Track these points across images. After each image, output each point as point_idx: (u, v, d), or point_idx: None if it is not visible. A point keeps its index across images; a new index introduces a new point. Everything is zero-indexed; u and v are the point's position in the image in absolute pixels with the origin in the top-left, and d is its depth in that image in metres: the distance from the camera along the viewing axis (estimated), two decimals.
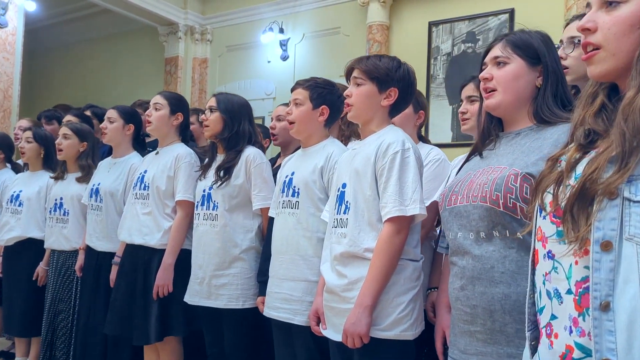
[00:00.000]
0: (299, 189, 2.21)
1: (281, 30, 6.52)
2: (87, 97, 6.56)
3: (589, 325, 0.89)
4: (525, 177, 1.39)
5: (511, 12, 5.31)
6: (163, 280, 2.66)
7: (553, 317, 1.00)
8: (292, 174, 2.26)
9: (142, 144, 3.37)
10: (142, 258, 2.78)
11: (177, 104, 2.93)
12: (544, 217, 1.04)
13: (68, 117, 3.79)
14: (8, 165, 3.98)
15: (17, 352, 3.59)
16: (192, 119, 3.45)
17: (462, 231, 1.50)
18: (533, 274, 1.09)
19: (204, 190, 2.62)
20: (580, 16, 1.83)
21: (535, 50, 1.54)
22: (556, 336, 0.98)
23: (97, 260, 3.08)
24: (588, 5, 1.06)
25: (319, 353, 2.09)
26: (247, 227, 2.55)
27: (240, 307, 2.48)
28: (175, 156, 2.80)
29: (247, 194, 2.55)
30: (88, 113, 3.99)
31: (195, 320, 2.68)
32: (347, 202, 1.89)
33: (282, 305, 2.16)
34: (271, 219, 2.37)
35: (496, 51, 1.57)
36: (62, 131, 3.35)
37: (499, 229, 1.42)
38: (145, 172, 2.88)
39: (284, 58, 6.57)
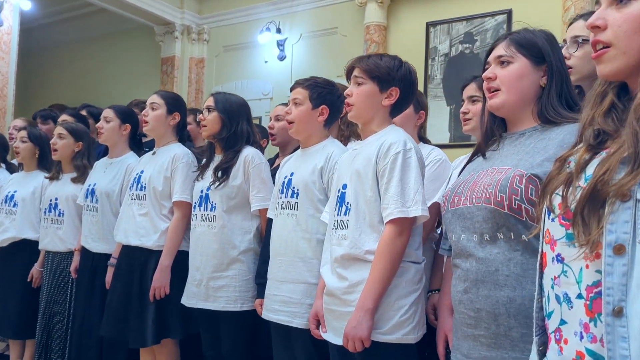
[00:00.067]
0: (298, 190, 2.19)
1: (278, 30, 6.49)
2: (83, 97, 6.51)
3: (601, 331, 0.87)
4: (530, 178, 1.36)
5: (509, 13, 5.30)
6: (160, 282, 2.63)
7: (562, 322, 0.97)
8: (291, 174, 2.24)
9: (139, 144, 3.34)
10: (138, 259, 2.75)
11: (174, 103, 2.90)
12: (553, 220, 1.02)
13: (63, 117, 3.76)
14: (2, 165, 3.94)
15: (12, 354, 3.55)
16: (189, 119, 3.43)
17: (466, 233, 1.47)
18: (541, 277, 1.07)
19: (201, 191, 2.59)
20: (584, 15, 1.82)
21: (540, 49, 1.51)
22: (566, 342, 0.96)
23: (93, 261, 3.05)
24: (597, 2, 1.03)
25: (319, 356, 2.07)
26: (245, 229, 2.53)
27: (239, 309, 2.45)
28: (172, 156, 2.77)
29: (246, 195, 2.53)
30: (84, 113, 3.96)
31: (192, 323, 2.66)
32: (347, 203, 1.86)
33: (281, 307, 2.13)
34: (270, 220, 2.34)
35: (500, 50, 1.54)
36: (57, 131, 3.32)
37: (504, 231, 1.39)
38: (141, 172, 2.85)
39: (281, 58, 6.55)
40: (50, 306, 3.21)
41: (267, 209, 2.41)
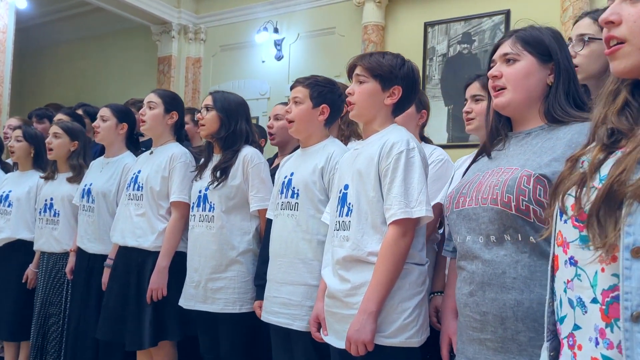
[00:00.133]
0: (298, 190, 2.16)
1: (276, 30, 6.47)
2: (79, 97, 6.48)
3: (619, 337, 0.83)
4: (538, 179, 1.34)
5: (507, 13, 5.28)
6: (157, 283, 2.59)
7: (576, 327, 0.94)
8: (292, 174, 2.20)
9: (136, 144, 3.31)
10: (135, 261, 2.71)
11: (172, 102, 2.87)
12: (565, 221, 0.98)
13: (59, 116, 3.72)
14: None
15: (6, 356, 3.51)
16: (186, 118, 3.39)
17: (471, 235, 1.44)
18: (552, 280, 1.03)
19: (199, 191, 2.56)
20: (591, 13, 1.80)
21: (547, 46, 1.49)
22: (580, 348, 0.93)
23: (89, 262, 3.01)
24: None
25: None
26: (244, 229, 2.49)
27: (237, 311, 2.42)
28: (170, 156, 2.74)
29: (245, 195, 2.49)
30: (80, 112, 3.93)
31: (190, 325, 2.62)
32: (349, 204, 1.83)
33: (280, 310, 2.10)
34: (269, 221, 2.31)
35: (506, 48, 1.51)
36: (52, 130, 3.28)
37: (511, 233, 1.37)
38: (139, 172, 2.81)
39: (279, 58, 6.52)
40: (45, 308, 3.17)
41: (266, 210, 2.38)
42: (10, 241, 3.39)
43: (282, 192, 2.22)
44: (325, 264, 1.94)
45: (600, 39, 1.73)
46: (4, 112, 5.51)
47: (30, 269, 3.34)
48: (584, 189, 0.94)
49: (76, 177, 3.25)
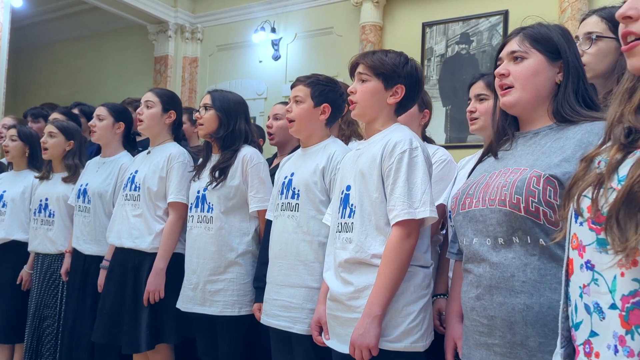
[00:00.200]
0: (299, 191, 2.12)
1: (273, 30, 6.44)
2: (75, 96, 6.43)
3: None
4: (548, 180, 1.30)
5: (505, 14, 5.26)
6: (154, 285, 2.55)
7: (593, 333, 0.91)
8: (292, 174, 2.17)
9: (133, 143, 3.27)
10: (132, 262, 2.67)
11: (170, 101, 2.83)
12: (581, 224, 0.95)
13: (54, 115, 3.68)
14: None
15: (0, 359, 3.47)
16: (184, 118, 3.35)
17: (478, 237, 1.41)
18: (567, 285, 1.00)
19: (198, 192, 2.52)
20: (598, 11, 1.77)
21: (555, 44, 1.45)
22: (597, 355, 0.89)
23: (84, 264, 2.97)
24: None
25: None
26: (243, 230, 2.45)
27: (236, 314, 2.38)
28: (167, 156, 2.70)
29: (244, 196, 2.46)
30: (76, 111, 3.89)
31: (187, 327, 2.58)
32: (352, 205, 1.79)
33: (281, 312, 2.06)
34: (269, 222, 2.28)
35: (513, 45, 1.48)
36: (47, 129, 3.24)
37: (519, 235, 1.33)
38: (136, 172, 2.77)
39: (276, 58, 6.49)
40: (40, 310, 3.13)
41: (265, 210, 2.35)
42: (5, 242, 3.35)
43: (282, 193, 2.18)
44: (327, 266, 1.89)
45: (608, 37, 1.71)
46: None
47: (25, 270, 3.30)
48: (602, 190, 0.91)
49: (72, 177, 3.21)
